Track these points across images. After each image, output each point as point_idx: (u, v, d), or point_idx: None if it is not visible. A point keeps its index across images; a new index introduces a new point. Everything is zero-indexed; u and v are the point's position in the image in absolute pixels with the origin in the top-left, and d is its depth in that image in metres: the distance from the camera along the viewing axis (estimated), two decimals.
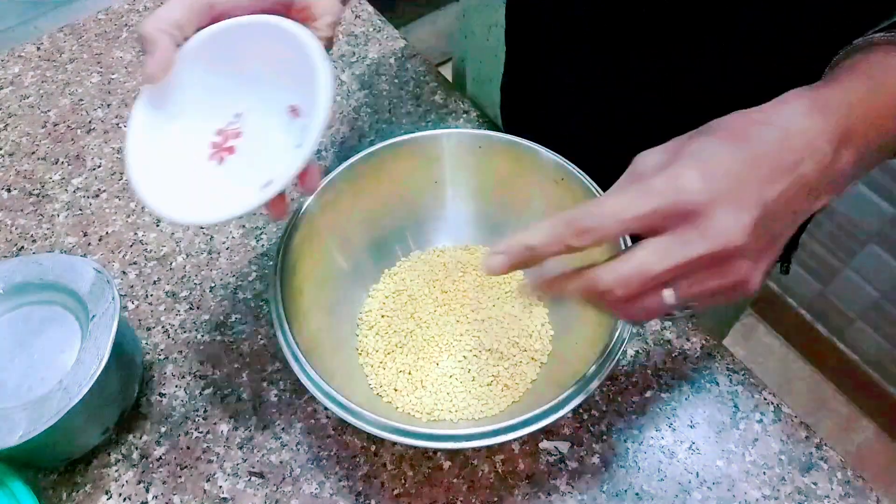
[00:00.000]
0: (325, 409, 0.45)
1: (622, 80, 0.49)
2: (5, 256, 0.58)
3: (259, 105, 0.43)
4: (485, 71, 0.67)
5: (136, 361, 0.49)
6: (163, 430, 0.49)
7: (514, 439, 0.38)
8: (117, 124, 0.68)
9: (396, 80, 0.71)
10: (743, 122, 0.33)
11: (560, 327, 0.50)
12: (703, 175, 0.30)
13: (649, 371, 0.50)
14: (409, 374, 0.48)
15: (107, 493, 0.46)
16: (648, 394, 0.49)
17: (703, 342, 0.51)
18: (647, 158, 0.34)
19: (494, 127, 0.66)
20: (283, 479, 0.46)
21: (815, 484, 0.45)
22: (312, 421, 0.49)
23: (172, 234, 0.59)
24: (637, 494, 0.45)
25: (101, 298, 0.45)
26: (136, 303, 0.55)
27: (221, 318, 0.54)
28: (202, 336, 0.53)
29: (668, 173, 0.31)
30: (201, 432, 0.48)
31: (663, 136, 0.51)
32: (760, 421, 0.48)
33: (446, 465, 0.46)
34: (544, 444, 0.47)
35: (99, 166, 0.64)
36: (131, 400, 0.48)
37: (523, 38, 0.55)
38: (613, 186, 0.34)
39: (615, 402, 0.49)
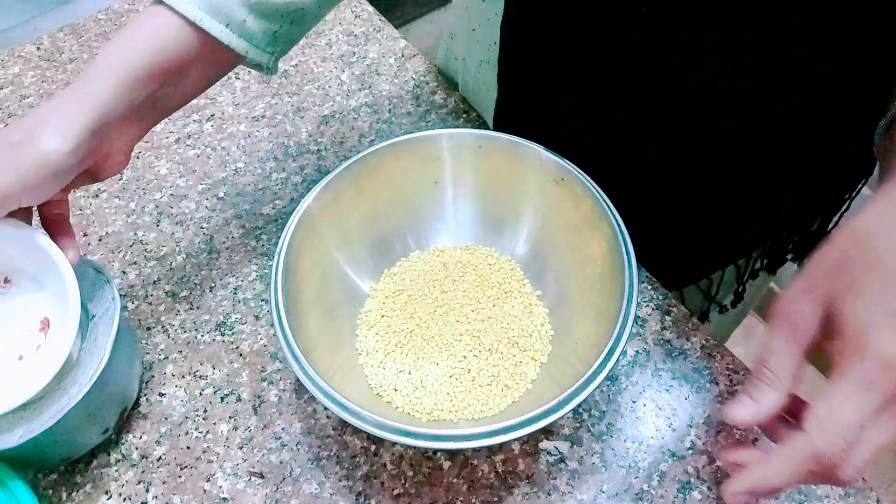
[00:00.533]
0: (325, 409, 0.45)
1: (622, 80, 0.49)
2: None
3: (27, 291, 0.45)
4: (475, 100, 0.67)
5: (137, 361, 0.49)
6: (163, 430, 0.49)
7: (514, 439, 0.38)
8: None
9: (396, 80, 0.71)
10: (873, 257, 0.32)
11: (560, 327, 0.50)
12: None
13: (649, 371, 0.50)
14: (409, 374, 0.48)
15: (107, 493, 0.46)
16: (648, 394, 0.49)
17: (703, 342, 0.51)
18: (800, 312, 0.33)
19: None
20: (283, 479, 0.46)
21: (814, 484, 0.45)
22: (312, 421, 0.49)
23: (172, 234, 0.60)
24: (637, 494, 0.45)
25: (101, 299, 0.45)
26: (136, 303, 0.55)
27: (221, 318, 0.54)
28: (202, 336, 0.53)
29: (877, 361, 0.30)
30: (201, 432, 0.48)
31: (663, 136, 0.51)
32: None
33: (446, 465, 0.46)
34: (544, 444, 0.47)
35: None
36: (131, 400, 0.48)
37: (523, 40, 0.55)
38: (787, 353, 0.33)
39: (615, 402, 0.49)
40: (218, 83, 0.71)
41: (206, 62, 0.43)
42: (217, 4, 0.40)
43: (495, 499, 0.45)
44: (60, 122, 0.37)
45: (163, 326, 0.54)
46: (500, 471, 0.46)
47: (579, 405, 0.39)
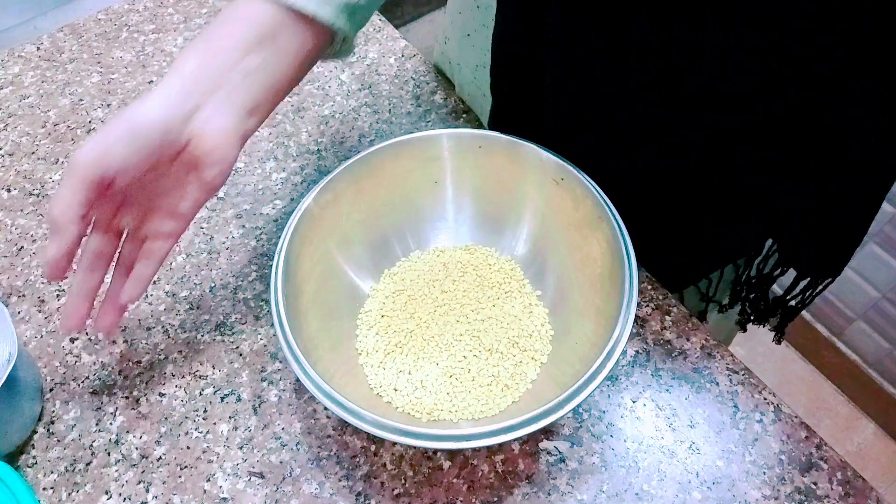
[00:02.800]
0: (325, 409, 0.45)
1: (622, 80, 0.49)
2: (5, 256, 0.58)
3: None
4: (472, 104, 0.67)
5: (27, 409, 0.47)
6: (163, 430, 0.49)
7: (514, 439, 0.38)
8: None
9: (396, 80, 0.71)
10: None
11: (560, 327, 0.50)
12: None
13: (649, 371, 0.50)
14: (409, 374, 0.48)
15: (107, 493, 0.46)
16: (648, 394, 0.49)
17: (703, 342, 0.51)
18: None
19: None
20: (283, 479, 0.46)
21: (815, 484, 0.45)
22: (312, 421, 0.49)
23: None
24: (637, 494, 0.45)
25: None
26: (135, 303, 0.55)
27: (221, 318, 0.54)
28: (202, 336, 0.53)
29: None
30: (201, 432, 0.48)
31: (663, 136, 0.51)
32: (760, 421, 0.48)
33: (446, 465, 0.46)
34: (544, 444, 0.47)
35: None
36: (10, 447, 0.46)
37: (517, 49, 0.55)
38: None
39: (615, 402, 0.49)
40: None
41: (294, 36, 0.42)
42: None
43: (495, 499, 0.45)
44: (152, 91, 0.39)
45: (163, 326, 0.54)
46: (500, 471, 0.46)
47: (579, 405, 0.39)
